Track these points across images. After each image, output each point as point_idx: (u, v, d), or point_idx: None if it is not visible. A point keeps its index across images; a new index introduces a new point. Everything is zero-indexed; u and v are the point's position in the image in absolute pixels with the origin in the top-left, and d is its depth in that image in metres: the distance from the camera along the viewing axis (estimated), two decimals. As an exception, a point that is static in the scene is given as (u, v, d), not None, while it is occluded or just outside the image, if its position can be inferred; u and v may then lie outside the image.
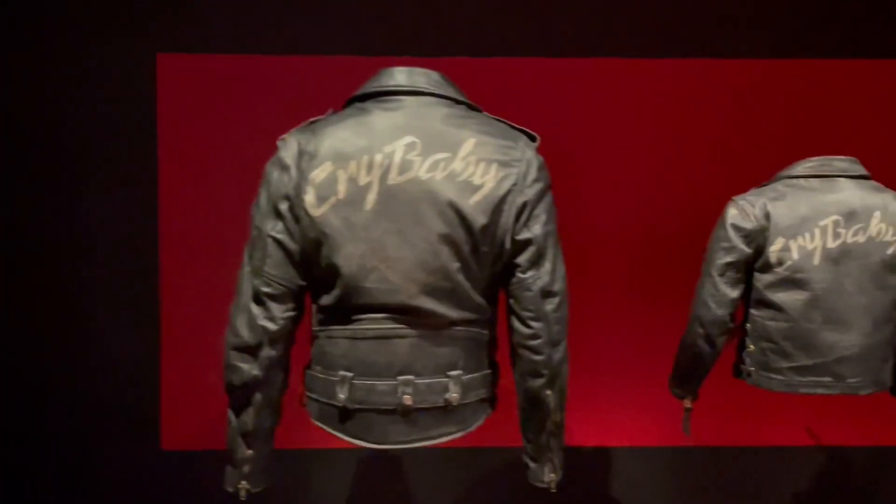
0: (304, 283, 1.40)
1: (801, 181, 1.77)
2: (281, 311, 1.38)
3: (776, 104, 2.40)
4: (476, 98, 1.46)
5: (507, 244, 1.35)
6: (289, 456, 2.44)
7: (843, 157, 1.78)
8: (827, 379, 1.70)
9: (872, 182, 1.79)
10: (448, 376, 1.37)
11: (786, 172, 1.81)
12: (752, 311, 1.78)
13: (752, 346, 1.78)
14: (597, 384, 2.45)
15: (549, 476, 1.48)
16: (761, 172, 1.90)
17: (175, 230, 2.41)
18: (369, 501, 2.56)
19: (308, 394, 1.46)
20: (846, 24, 2.41)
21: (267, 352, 1.39)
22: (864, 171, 1.78)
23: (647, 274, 2.40)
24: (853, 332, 1.69)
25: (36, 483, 2.55)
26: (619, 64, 2.40)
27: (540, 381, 1.41)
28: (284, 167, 1.34)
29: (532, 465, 1.50)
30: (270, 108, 2.34)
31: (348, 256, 1.31)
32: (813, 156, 1.80)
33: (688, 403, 1.89)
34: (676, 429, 2.21)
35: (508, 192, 1.32)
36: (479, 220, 1.31)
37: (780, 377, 1.73)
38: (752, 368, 1.78)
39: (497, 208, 1.32)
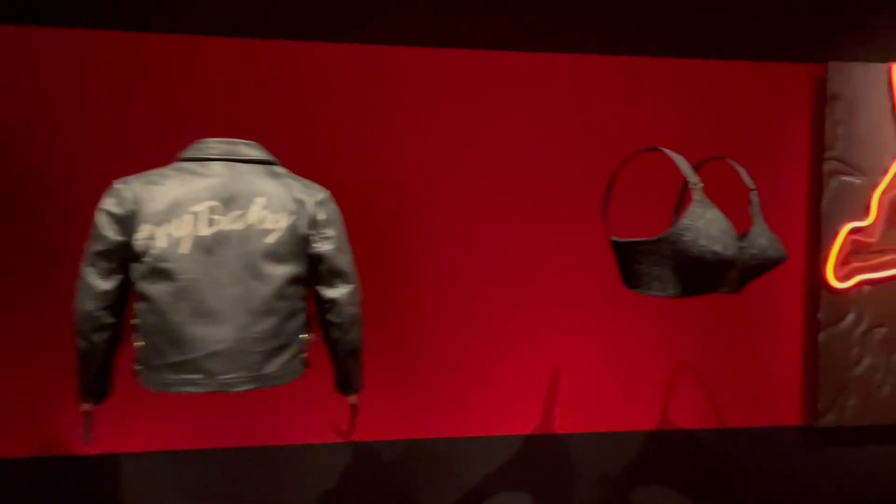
0: None
1: (190, 164, 1.64)
2: None
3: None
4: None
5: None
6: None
7: (239, 140, 1.68)
8: (198, 376, 1.58)
9: (272, 167, 1.70)
10: None
11: (182, 153, 1.68)
12: (136, 304, 1.62)
13: (139, 343, 1.63)
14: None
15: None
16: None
17: None
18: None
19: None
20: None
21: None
22: (263, 156, 1.69)
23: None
24: (226, 326, 1.58)
25: None
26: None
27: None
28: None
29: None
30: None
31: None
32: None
33: (86, 406, 1.70)
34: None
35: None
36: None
37: (157, 375, 1.60)
38: (142, 367, 1.63)
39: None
